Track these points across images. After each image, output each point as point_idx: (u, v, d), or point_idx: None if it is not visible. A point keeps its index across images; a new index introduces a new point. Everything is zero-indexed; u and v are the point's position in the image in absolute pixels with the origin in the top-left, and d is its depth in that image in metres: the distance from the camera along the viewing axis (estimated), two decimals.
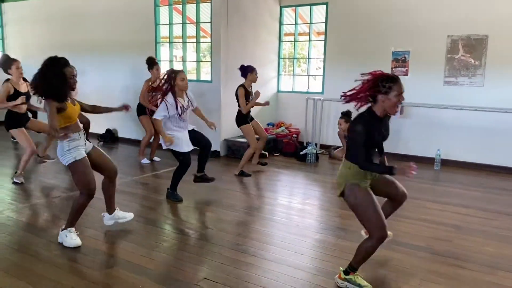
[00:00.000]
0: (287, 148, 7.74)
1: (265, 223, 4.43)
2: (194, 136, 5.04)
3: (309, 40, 8.63)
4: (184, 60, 8.19)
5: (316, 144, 7.83)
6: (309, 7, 8.37)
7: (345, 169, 3.01)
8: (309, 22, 8.54)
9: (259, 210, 4.87)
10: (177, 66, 8.81)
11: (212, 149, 7.40)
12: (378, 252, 3.07)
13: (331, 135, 8.09)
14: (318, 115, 8.00)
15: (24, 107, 5.60)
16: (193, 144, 5.02)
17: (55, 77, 3.50)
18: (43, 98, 3.56)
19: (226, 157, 7.53)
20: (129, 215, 4.22)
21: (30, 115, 5.94)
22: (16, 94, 5.42)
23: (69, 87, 3.61)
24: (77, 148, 3.63)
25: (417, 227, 4.35)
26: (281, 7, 8.54)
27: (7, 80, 5.46)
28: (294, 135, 8.25)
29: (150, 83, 6.67)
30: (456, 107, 6.85)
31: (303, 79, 9.09)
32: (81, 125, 3.84)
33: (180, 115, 4.80)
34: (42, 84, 3.54)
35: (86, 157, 3.68)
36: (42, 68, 3.56)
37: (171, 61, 8.25)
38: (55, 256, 3.54)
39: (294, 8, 8.55)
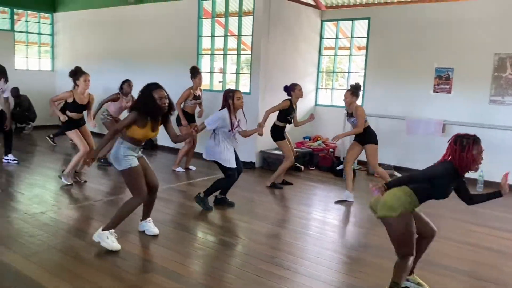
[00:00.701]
0: (323, 163, 7.68)
1: (299, 237, 4.39)
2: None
3: (350, 55, 8.59)
4: (224, 72, 8.31)
5: None
6: (350, 21, 8.34)
7: (405, 195, 2.93)
8: (350, 36, 8.50)
9: (293, 224, 4.84)
10: (217, 78, 8.96)
11: (247, 160, 7.50)
12: (418, 273, 2.97)
13: None
14: None
15: (78, 115, 5.91)
16: None
17: (145, 98, 3.84)
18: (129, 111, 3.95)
19: (261, 168, 7.53)
20: (155, 231, 4.22)
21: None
22: (74, 104, 5.76)
23: (158, 107, 3.83)
24: (132, 157, 3.86)
25: (459, 250, 4.19)
26: (322, 21, 8.55)
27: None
28: (331, 150, 8.18)
29: (191, 91, 6.85)
30: (502, 127, 6.61)
31: (341, 93, 9.02)
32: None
33: (229, 130, 4.96)
34: (135, 103, 4.00)
35: (139, 166, 3.88)
36: (142, 90, 3.96)
37: (211, 72, 8.40)
38: (94, 258, 3.64)
39: (336, 22, 8.54)
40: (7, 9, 10.40)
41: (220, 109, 5.06)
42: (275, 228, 4.65)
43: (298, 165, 7.44)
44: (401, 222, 2.90)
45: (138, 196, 3.87)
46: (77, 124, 5.93)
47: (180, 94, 6.97)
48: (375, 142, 5.64)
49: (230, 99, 5.01)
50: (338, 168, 7.32)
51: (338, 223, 4.94)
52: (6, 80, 6.83)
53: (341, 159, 7.80)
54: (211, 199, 5.17)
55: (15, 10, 10.60)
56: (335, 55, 8.74)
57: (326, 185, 6.73)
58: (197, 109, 7.10)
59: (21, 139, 9.33)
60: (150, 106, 3.83)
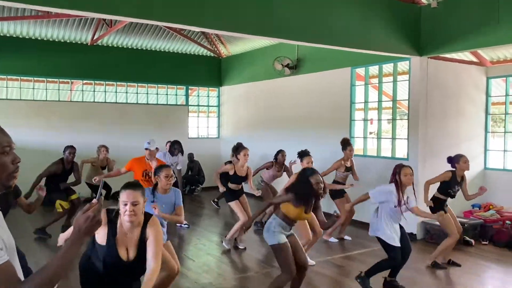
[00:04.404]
0: (498, 236, 6.74)
1: None
2: (400, 237, 4.84)
3: None
4: (378, 137, 8.14)
5: None
6: None
7: None
8: None
9: None
10: (371, 143, 8.78)
11: (408, 231, 6.99)
12: None
13: None
14: None
15: (237, 186, 6.41)
16: None
17: (303, 182, 4.12)
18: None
19: (423, 241, 6.96)
20: None
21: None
22: (235, 176, 6.29)
23: (314, 192, 4.06)
24: (280, 233, 4.06)
25: None
26: (488, 78, 7.83)
27: (230, 162, 6.41)
28: (508, 221, 7.15)
29: (342, 162, 6.86)
30: None
31: None
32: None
33: (395, 206, 4.73)
34: (293, 186, 4.28)
35: (288, 243, 4.04)
36: (299, 175, 4.32)
37: (365, 137, 8.29)
38: None
39: (505, 78, 7.74)
40: (183, 87, 12.08)
41: (390, 183, 4.89)
42: None
43: (467, 238, 6.69)
44: None
45: (286, 273, 4.00)
46: (237, 195, 6.41)
47: (331, 161, 7.01)
48: None
49: (397, 175, 4.82)
50: None
51: None
52: (182, 154, 7.84)
53: None
54: (376, 280, 4.91)
55: (189, 87, 12.24)
56: (506, 113, 7.84)
57: (503, 266, 5.86)
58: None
59: (192, 200, 10.40)
60: (307, 190, 4.03)
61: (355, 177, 7.01)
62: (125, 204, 2.87)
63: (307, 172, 4.13)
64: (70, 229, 3.01)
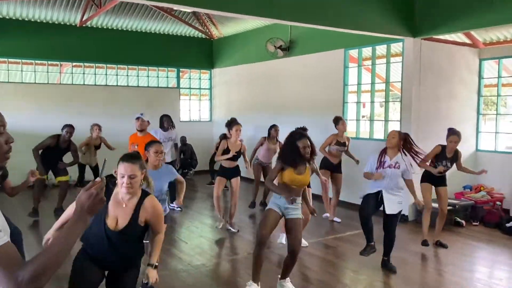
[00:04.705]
0: (489, 217, 6.81)
1: None
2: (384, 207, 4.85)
3: None
4: (371, 119, 8.12)
5: None
6: None
7: None
8: None
9: None
10: (364, 126, 8.78)
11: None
12: None
13: None
14: None
15: (230, 163, 6.30)
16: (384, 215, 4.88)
17: (290, 146, 4.12)
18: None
19: (415, 222, 7.02)
20: None
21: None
22: (227, 151, 6.20)
23: (300, 155, 4.05)
24: (274, 202, 4.12)
25: None
26: (481, 60, 7.81)
27: (225, 137, 6.34)
28: (498, 202, 7.23)
29: (334, 136, 6.93)
30: None
31: (508, 137, 8.04)
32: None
33: (376, 168, 4.77)
34: (282, 151, 4.35)
35: (274, 212, 4.08)
36: (286, 139, 4.30)
37: (358, 120, 8.28)
38: None
39: (497, 60, 7.72)
40: (174, 69, 11.93)
41: None
42: None
43: (458, 219, 6.76)
44: None
45: (257, 235, 4.10)
46: (228, 175, 6.34)
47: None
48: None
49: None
50: (508, 225, 6.42)
51: None
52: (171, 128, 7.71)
53: (511, 213, 6.85)
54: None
55: (181, 69, 12.09)
56: (498, 95, 7.85)
57: (493, 246, 5.94)
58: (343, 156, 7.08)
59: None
60: (294, 154, 4.04)
61: (349, 154, 7.04)
62: (122, 177, 2.84)
63: (295, 136, 4.11)
64: (55, 226, 3.03)
